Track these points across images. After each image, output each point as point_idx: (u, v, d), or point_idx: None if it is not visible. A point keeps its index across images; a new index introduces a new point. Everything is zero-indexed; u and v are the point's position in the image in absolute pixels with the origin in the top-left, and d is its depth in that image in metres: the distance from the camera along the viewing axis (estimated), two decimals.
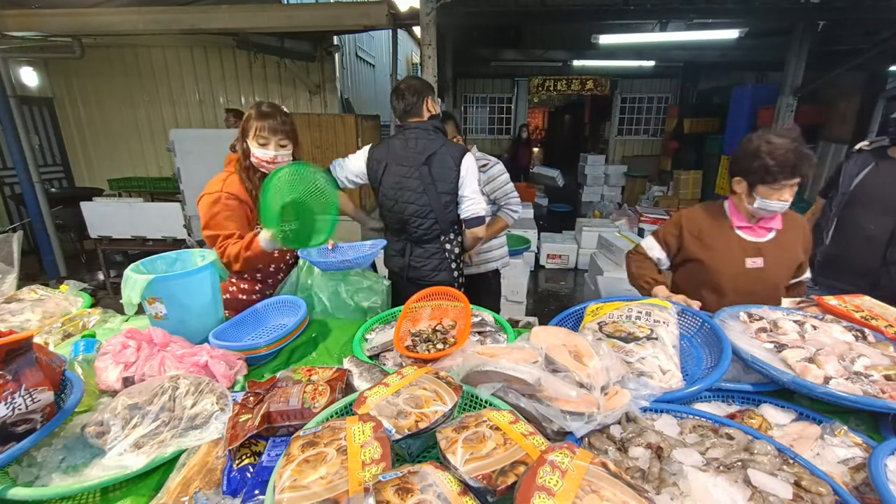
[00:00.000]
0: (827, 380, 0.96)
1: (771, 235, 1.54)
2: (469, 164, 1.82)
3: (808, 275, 1.61)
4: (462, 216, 1.88)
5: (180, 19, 3.96)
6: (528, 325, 1.67)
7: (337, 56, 5.49)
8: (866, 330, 1.15)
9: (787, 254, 1.54)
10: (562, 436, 0.85)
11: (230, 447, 0.83)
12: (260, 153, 1.57)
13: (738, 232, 1.54)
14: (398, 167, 1.84)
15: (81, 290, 1.72)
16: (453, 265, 1.97)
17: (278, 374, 1.05)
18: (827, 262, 1.66)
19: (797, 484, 0.71)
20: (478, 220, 1.85)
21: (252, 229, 1.63)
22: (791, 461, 0.76)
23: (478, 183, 1.86)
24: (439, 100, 1.94)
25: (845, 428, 0.89)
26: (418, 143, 1.82)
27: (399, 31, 4.31)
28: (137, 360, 1.07)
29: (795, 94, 4.85)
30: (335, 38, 5.34)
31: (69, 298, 1.64)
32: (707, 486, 0.69)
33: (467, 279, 2.19)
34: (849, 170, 1.89)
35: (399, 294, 1.92)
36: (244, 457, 0.84)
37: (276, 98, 5.58)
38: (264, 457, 0.83)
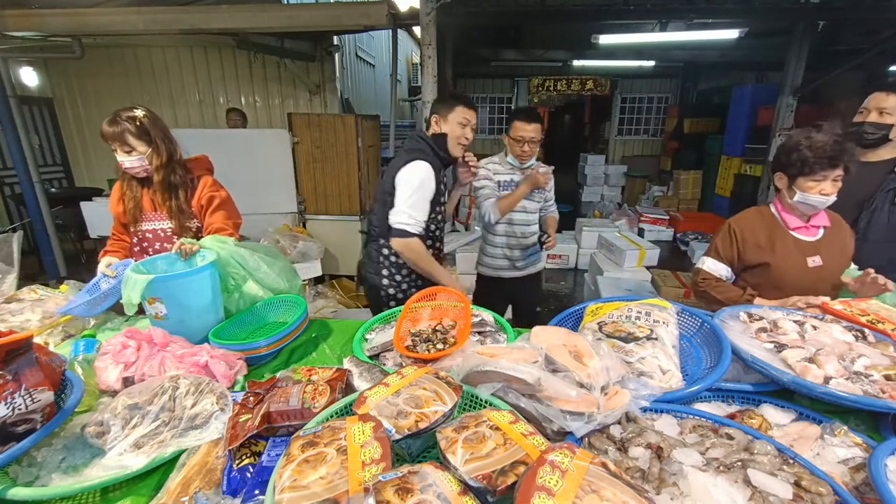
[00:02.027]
0: (827, 380, 0.96)
1: (821, 234, 1.55)
2: (406, 175, 1.70)
3: (855, 268, 1.60)
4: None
5: (180, 19, 3.96)
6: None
7: (337, 56, 5.49)
8: (866, 330, 1.15)
9: (839, 250, 1.55)
10: (562, 436, 0.85)
11: (230, 447, 0.83)
12: (117, 159, 1.61)
13: (794, 233, 1.54)
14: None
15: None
16: (384, 271, 1.88)
17: (278, 374, 1.05)
18: None
19: (797, 484, 0.71)
20: (397, 232, 1.71)
21: (126, 231, 1.76)
22: (791, 461, 0.76)
23: (414, 196, 1.70)
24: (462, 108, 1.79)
25: (845, 428, 0.89)
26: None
27: (399, 31, 4.31)
28: (137, 360, 1.07)
29: (795, 94, 4.85)
30: (335, 38, 5.34)
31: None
32: (707, 486, 0.69)
33: (517, 280, 2.35)
34: None
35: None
36: (244, 457, 0.84)
37: (275, 98, 5.59)
38: (264, 457, 0.83)
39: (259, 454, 0.85)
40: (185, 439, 0.87)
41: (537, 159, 2.33)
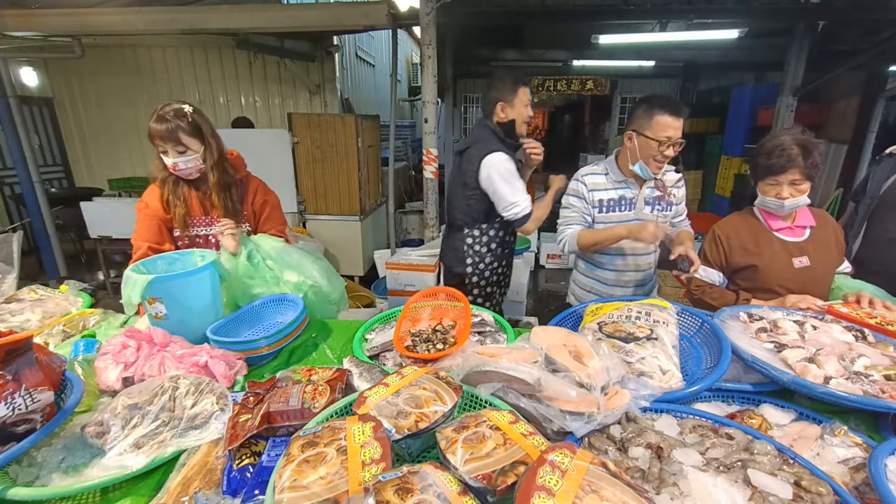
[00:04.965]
0: (827, 380, 0.96)
1: (807, 234, 1.55)
2: (495, 171, 1.76)
3: (848, 266, 1.61)
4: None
5: (179, 19, 3.96)
6: (528, 325, 1.67)
7: (337, 56, 5.49)
8: (866, 330, 1.15)
9: (827, 249, 1.55)
10: (562, 436, 0.85)
11: (230, 447, 0.83)
12: (166, 161, 1.51)
13: (778, 234, 1.54)
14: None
15: (81, 290, 1.72)
16: (468, 260, 1.96)
17: (278, 374, 1.05)
18: (856, 266, 1.65)
19: (797, 484, 0.71)
20: (522, 220, 1.81)
21: (168, 240, 1.61)
22: (791, 461, 0.76)
23: (512, 184, 1.77)
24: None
25: (845, 428, 0.89)
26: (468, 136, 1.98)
27: (399, 31, 4.31)
28: (137, 360, 1.07)
29: (795, 94, 4.84)
30: (335, 38, 5.34)
31: (69, 298, 1.64)
32: (707, 487, 0.69)
33: None
34: (877, 174, 1.85)
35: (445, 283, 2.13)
36: (244, 457, 0.84)
37: (275, 98, 5.59)
38: (264, 457, 0.83)
39: (259, 454, 0.85)
40: (184, 439, 0.87)
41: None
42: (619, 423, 0.87)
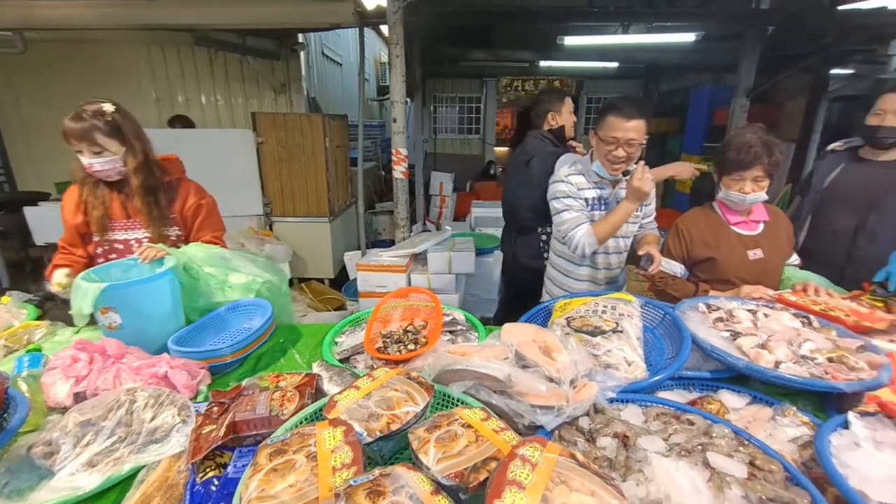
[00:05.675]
0: (777, 364, 1.02)
1: (761, 227, 1.63)
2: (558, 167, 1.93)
3: (797, 258, 1.71)
4: None
5: (134, 14, 3.76)
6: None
7: (302, 54, 5.36)
8: (812, 316, 1.23)
9: (778, 242, 1.64)
10: (533, 430, 0.86)
11: (193, 460, 0.80)
12: (82, 161, 1.43)
13: (734, 228, 1.62)
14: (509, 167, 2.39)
15: (26, 301, 1.61)
16: (545, 255, 2.16)
17: (244, 382, 1.02)
18: (802, 257, 1.75)
19: (751, 463, 0.75)
20: None
21: (83, 242, 1.56)
22: (746, 442, 0.80)
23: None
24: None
25: (794, 409, 0.95)
26: (525, 147, 2.29)
27: (366, 29, 4.26)
28: (90, 374, 1.01)
29: (748, 95, 5.10)
30: (300, 35, 5.21)
31: (12, 311, 1.54)
32: (670, 471, 0.72)
33: None
34: (821, 169, 1.96)
35: (511, 279, 2.57)
36: (208, 469, 0.81)
37: (238, 97, 5.40)
38: (230, 468, 0.80)
39: (224, 466, 0.82)
40: (143, 455, 0.83)
41: None
42: (588, 414, 0.89)
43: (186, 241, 1.60)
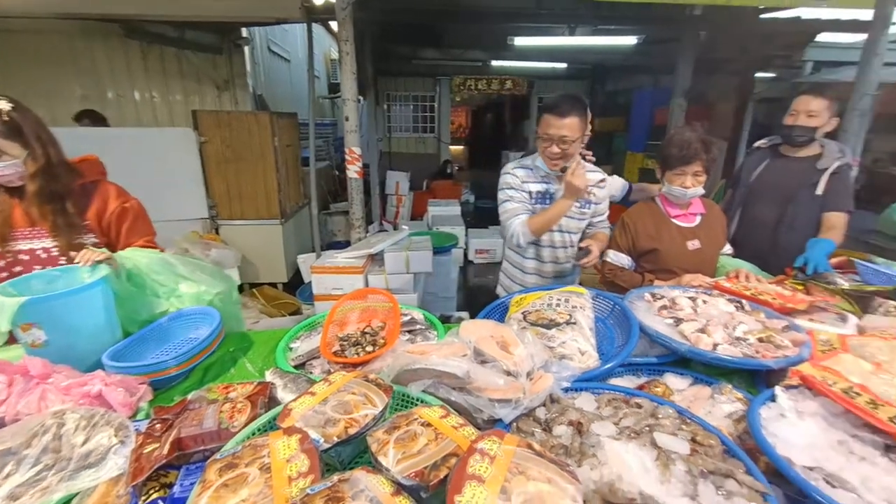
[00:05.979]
0: (715, 346, 1.10)
1: (698, 220, 1.75)
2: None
3: (730, 248, 1.85)
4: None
5: (52, 2, 3.44)
6: (460, 321, 1.70)
7: (247, 49, 5.12)
8: (743, 301, 1.33)
9: (714, 233, 1.77)
10: (492, 423, 0.88)
11: (134, 482, 0.75)
12: None
13: (674, 221, 1.74)
14: None
15: None
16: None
17: (190, 396, 0.96)
18: (734, 246, 1.89)
19: (693, 440, 0.80)
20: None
21: None
22: (688, 421, 0.86)
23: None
24: None
25: (730, 386, 1.02)
26: None
27: (315, 25, 4.14)
28: (9, 398, 0.91)
29: (685, 96, 5.45)
30: (244, 29, 4.98)
31: None
32: (620, 453, 0.75)
33: None
34: (748, 165, 2.14)
35: None
36: (152, 491, 0.75)
37: (177, 94, 5.07)
38: (176, 487, 0.76)
39: (170, 486, 0.77)
40: (75, 482, 0.76)
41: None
42: (544, 405, 0.92)
43: (110, 250, 1.46)
